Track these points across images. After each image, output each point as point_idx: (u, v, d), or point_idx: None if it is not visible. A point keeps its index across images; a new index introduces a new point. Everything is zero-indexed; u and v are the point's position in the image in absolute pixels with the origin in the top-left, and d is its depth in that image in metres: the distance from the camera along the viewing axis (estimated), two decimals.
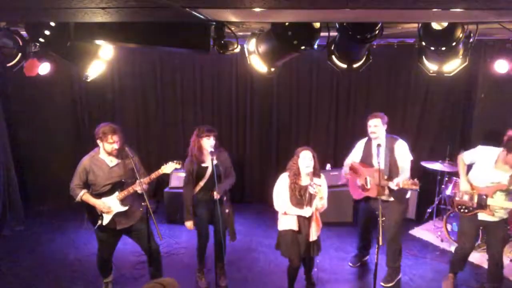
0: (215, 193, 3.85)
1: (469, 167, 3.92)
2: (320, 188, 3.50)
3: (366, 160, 4.18)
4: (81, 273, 4.56)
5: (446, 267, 4.37)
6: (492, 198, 3.66)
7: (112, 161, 3.69)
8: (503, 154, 3.58)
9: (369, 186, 3.89)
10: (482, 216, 3.76)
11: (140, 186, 3.58)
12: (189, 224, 4.03)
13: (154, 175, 3.67)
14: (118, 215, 3.70)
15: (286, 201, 3.68)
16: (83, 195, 3.62)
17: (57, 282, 4.43)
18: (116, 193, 3.66)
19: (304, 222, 3.68)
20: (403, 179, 3.78)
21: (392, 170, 3.99)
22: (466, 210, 3.78)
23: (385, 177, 3.95)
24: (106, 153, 3.64)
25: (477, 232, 3.91)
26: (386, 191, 3.98)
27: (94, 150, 3.73)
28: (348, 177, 4.39)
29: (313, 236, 3.67)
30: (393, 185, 3.80)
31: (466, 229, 3.92)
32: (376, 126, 4.02)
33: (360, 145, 4.34)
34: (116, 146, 3.60)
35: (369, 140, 4.19)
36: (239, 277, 4.49)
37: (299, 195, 3.64)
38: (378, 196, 3.87)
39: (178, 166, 3.73)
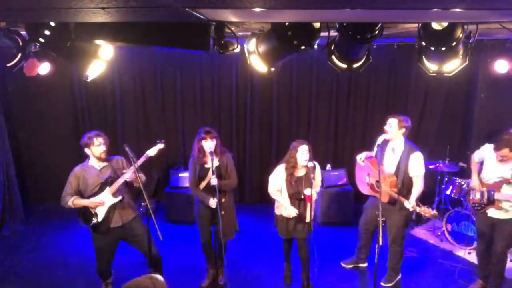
0: (212, 178, 3.81)
1: None
2: (314, 191, 3.85)
3: (378, 157, 4.13)
4: (81, 273, 4.56)
5: (446, 267, 4.38)
6: (500, 192, 3.74)
7: (100, 165, 3.77)
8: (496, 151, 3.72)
9: (379, 190, 3.86)
10: (492, 212, 3.82)
11: (134, 173, 3.60)
12: (211, 200, 3.89)
13: (140, 161, 3.71)
14: (112, 209, 3.72)
15: (283, 193, 3.93)
16: (74, 199, 3.64)
17: (57, 282, 4.43)
18: (107, 188, 3.69)
19: (298, 207, 3.91)
20: (416, 195, 3.86)
21: (404, 181, 3.97)
22: (479, 208, 3.87)
23: (399, 185, 3.96)
24: (96, 158, 3.72)
25: (489, 230, 3.90)
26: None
27: (85, 161, 3.81)
28: (362, 164, 4.25)
29: (307, 218, 3.93)
30: (408, 205, 3.80)
31: (480, 227, 4.04)
32: (390, 126, 3.97)
33: (378, 141, 4.26)
34: (103, 147, 3.70)
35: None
36: (239, 277, 4.49)
37: (296, 185, 3.88)
38: (389, 202, 3.95)
39: (162, 146, 3.84)
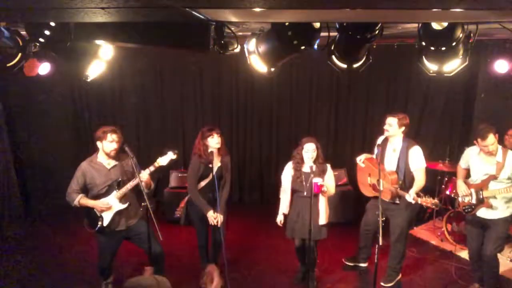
0: (217, 216, 3.89)
1: None
2: (326, 183, 3.87)
3: (378, 157, 4.14)
4: (81, 273, 4.55)
5: (446, 267, 4.35)
6: (487, 189, 3.75)
7: (109, 164, 3.69)
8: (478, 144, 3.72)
9: (381, 188, 3.86)
10: (481, 213, 3.81)
11: (139, 180, 3.51)
12: (210, 213, 3.93)
13: (150, 169, 3.64)
14: (117, 214, 3.69)
15: (287, 190, 3.98)
16: (80, 198, 3.59)
17: (57, 282, 4.43)
18: (114, 192, 3.64)
19: (303, 206, 3.87)
20: (417, 188, 3.84)
21: (406, 176, 3.98)
22: (470, 210, 3.86)
23: (400, 182, 3.96)
24: (105, 154, 3.64)
25: (479, 232, 3.91)
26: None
27: (93, 155, 3.74)
28: (362, 165, 4.30)
29: (321, 220, 3.96)
30: (409, 198, 3.80)
31: (469, 228, 4.02)
32: (390, 125, 4.02)
33: (378, 141, 4.30)
34: (115, 145, 3.61)
35: (387, 138, 4.17)
36: (239, 277, 4.49)
37: (300, 180, 3.91)
38: (391, 199, 3.96)
39: (175, 157, 3.70)
